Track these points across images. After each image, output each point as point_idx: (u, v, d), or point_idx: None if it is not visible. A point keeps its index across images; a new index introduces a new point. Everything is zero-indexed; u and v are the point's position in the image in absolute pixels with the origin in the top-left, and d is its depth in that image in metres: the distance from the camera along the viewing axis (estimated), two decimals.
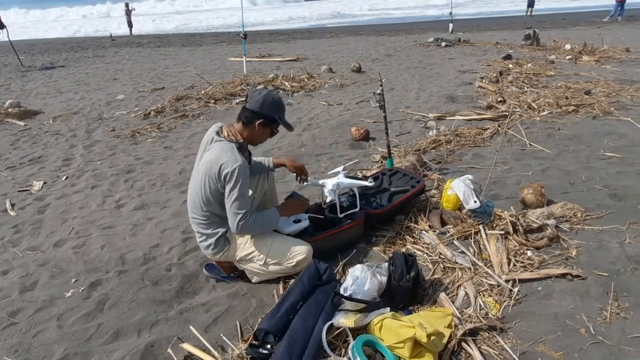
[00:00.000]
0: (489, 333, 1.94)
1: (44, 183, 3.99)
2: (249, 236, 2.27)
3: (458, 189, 2.84)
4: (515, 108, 5.31)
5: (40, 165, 4.44)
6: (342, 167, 2.85)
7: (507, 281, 2.25)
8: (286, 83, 7.44)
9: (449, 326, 1.87)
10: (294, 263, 2.23)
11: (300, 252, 2.24)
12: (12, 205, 3.53)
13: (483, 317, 2.01)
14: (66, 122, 5.98)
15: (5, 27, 10.73)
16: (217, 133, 2.22)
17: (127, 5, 20.42)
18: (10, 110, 6.35)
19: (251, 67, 9.25)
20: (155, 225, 3.13)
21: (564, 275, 2.27)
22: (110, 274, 2.56)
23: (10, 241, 3.02)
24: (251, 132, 2.21)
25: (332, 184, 2.58)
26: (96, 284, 2.49)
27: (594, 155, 3.88)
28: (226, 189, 2.08)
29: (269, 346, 1.82)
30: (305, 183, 2.62)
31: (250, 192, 2.43)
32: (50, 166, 4.40)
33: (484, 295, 2.17)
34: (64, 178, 4.08)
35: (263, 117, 2.17)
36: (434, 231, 2.74)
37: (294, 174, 2.59)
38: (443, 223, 2.81)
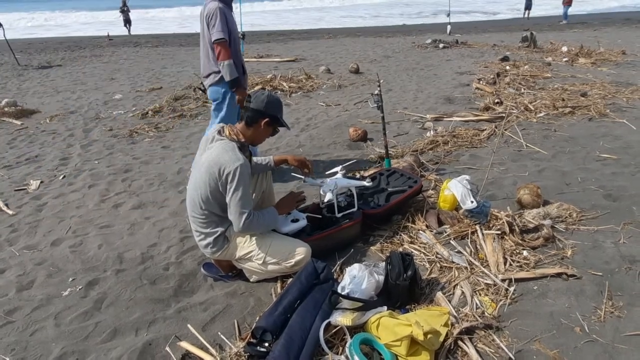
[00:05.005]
0: (485, 332, 1.95)
1: (41, 182, 3.98)
2: (249, 235, 2.28)
3: (455, 189, 2.85)
4: (512, 109, 5.35)
5: (37, 164, 4.43)
6: (340, 167, 2.86)
7: (503, 280, 2.27)
8: (284, 83, 7.45)
9: (446, 325, 1.88)
10: (293, 263, 2.24)
11: (299, 252, 2.25)
12: (7, 204, 3.52)
13: (479, 316, 2.03)
14: (63, 121, 5.96)
15: (1, 25, 10.66)
16: (219, 132, 2.23)
17: (124, 3, 20.34)
18: (6, 109, 6.31)
19: (249, 67, 9.20)
20: (153, 224, 3.13)
21: (559, 275, 2.30)
22: (107, 273, 2.56)
23: (7, 240, 3.02)
24: (255, 131, 2.24)
25: (330, 183, 2.59)
26: (94, 282, 2.49)
27: (589, 157, 3.92)
28: (228, 189, 2.09)
29: (266, 344, 1.82)
30: (308, 177, 2.62)
31: (250, 191, 2.45)
32: (47, 165, 4.38)
33: (480, 295, 2.19)
34: (61, 177, 4.07)
35: (268, 117, 2.20)
36: (431, 231, 2.75)
37: (296, 174, 2.60)
38: (440, 223, 2.82)
